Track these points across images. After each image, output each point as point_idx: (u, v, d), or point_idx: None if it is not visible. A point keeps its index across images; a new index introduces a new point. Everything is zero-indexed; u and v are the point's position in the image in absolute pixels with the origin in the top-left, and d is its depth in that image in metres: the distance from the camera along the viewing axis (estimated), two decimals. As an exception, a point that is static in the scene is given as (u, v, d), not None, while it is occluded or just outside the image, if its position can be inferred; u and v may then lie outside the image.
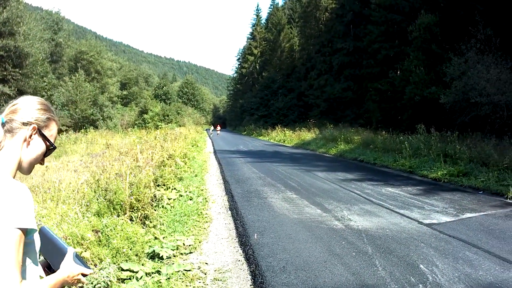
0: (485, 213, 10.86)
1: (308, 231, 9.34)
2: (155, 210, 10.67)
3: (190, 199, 12.93)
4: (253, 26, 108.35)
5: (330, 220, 10.26)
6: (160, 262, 7.41)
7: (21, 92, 49.03)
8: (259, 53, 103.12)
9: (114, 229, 7.85)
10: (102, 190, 10.25)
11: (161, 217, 10.28)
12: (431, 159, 19.93)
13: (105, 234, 7.70)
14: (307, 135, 45.46)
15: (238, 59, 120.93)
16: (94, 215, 9.02)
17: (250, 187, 15.44)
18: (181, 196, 13.26)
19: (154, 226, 9.32)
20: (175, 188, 13.90)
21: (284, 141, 49.09)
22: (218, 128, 72.56)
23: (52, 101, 60.81)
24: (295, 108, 69.76)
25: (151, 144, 19.93)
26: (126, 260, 7.10)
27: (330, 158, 28.67)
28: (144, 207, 9.82)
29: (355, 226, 9.69)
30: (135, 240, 7.74)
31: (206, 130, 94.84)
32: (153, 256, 7.59)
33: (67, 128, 58.36)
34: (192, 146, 34.67)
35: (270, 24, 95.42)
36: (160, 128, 61.64)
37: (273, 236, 9.00)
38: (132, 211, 9.58)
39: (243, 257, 7.89)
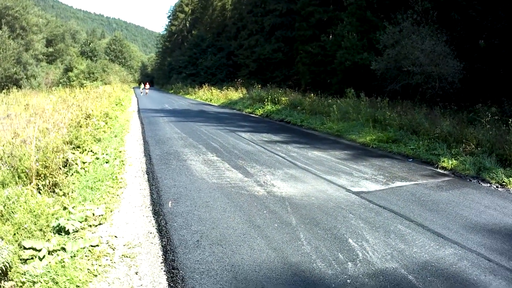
0: (416, 182, 10.27)
1: (227, 198, 8.49)
2: (67, 176, 9.62)
3: (107, 162, 11.91)
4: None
5: (251, 186, 9.44)
6: (67, 236, 6.47)
7: None
8: (190, 11, 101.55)
9: (17, 201, 6.88)
10: (7, 156, 9.15)
11: (73, 183, 9.25)
12: (360, 123, 19.43)
13: (7, 207, 6.73)
14: (234, 94, 44.80)
15: (168, 17, 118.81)
16: (-2, 184, 8.02)
17: (170, 149, 14.46)
18: (97, 159, 12.25)
19: (65, 194, 8.35)
20: (91, 151, 12.80)
21: (211, 100, 48.40)
22: (147, 86, 68.96)
23: (-28, 61, 57.61)
24: (224, 67, 69.10)
25: (69, 104, 18.56)
26: (29, 237, 6.19)
27: (256, 118, 28.01)
28: (53, 174, 8.82)
29: (278, 192, 8.89)
30: (40, 213, 6.84)
31: (134, 88, 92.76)
32: (60, 229, 6.63)
33: (-12, 88, 55.17)
34: (116, 105, 33.40)
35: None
36: (85, 86, 59.34)
37: (189, 204, 8.10)
38: (39, 179, 8.58)
39: (156, 228, 7.02)
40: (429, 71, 20.63)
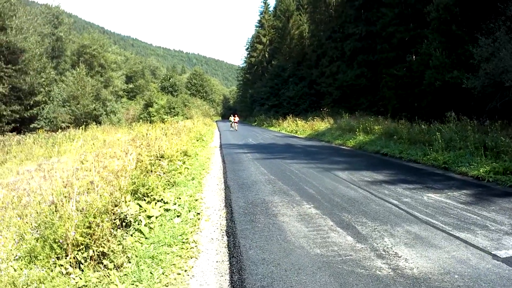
0: None
1: (339, 283, 6.10)
2: (125, 238, 7.87)
3: (178, 216, 10.18)
4: (261, 13, 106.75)
5: (369, 259, 7.04)
6: None
7: (16, 89, 47.25)
8: (268, 41, 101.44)
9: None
10: (41, 220, 7.53)
11: (129, 249, 7.46)
12: (468, 152, 17.21)
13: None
14: (321, 125, 43.60)
15: (247, 49, 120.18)
16: (25, 257, 6.41)
17: (256, 197, 12.51)
18: (168, 211, 10.57)
19: (116, 266, 6.62)
20: (162, 200, 11.10)
21: (296, 132, 47.28)
22: (236, 119, 61.06)
23: (51, 97, 58.76)
24: (307, 96, 68.03)
25: (137, 144, 16.97)
26: None
27: (349, 151, 26.13)
28: (100, 241, 7.00)
29: (407, 269, 6.54)
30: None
31: (216, 121, 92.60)
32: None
33: (68, 124, 55.98)
34: (197, 140, 32.49)
35: (278, 11, 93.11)
36: (166, 121, 58.87)
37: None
38: (80, 250, 6.79)
39: None
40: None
